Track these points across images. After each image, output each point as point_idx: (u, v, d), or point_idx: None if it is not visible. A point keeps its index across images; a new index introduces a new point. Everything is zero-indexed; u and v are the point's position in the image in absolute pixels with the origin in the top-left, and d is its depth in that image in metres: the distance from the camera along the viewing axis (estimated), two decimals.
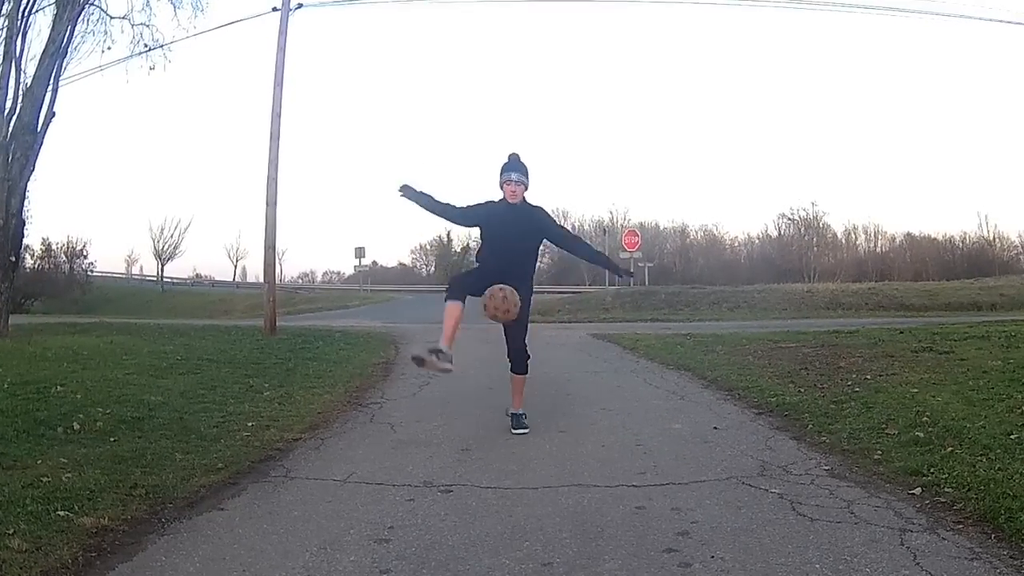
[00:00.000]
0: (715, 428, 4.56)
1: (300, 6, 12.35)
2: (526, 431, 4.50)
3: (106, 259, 60.91)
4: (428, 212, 4.71)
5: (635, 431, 4.53)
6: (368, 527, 2.86)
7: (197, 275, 52.28)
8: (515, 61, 76.61)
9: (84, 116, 65.55)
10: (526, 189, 4.63)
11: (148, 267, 50.06)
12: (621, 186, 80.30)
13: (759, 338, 9.71)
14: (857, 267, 43.14)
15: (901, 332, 9.69)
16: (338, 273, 59.11)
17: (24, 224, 10.30)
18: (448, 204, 4.72)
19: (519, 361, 4.65)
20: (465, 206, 4.71)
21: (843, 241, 48.25)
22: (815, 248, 46.82)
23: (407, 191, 4.64)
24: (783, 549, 2.55)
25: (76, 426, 4.20)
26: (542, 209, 4.73)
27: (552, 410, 5.23)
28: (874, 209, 74.50)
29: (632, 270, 4.79)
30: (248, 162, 68.16)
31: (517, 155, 4.69)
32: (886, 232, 47.82)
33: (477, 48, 76.82)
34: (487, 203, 4.69)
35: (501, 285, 4.32)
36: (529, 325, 4.70)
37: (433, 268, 51.12)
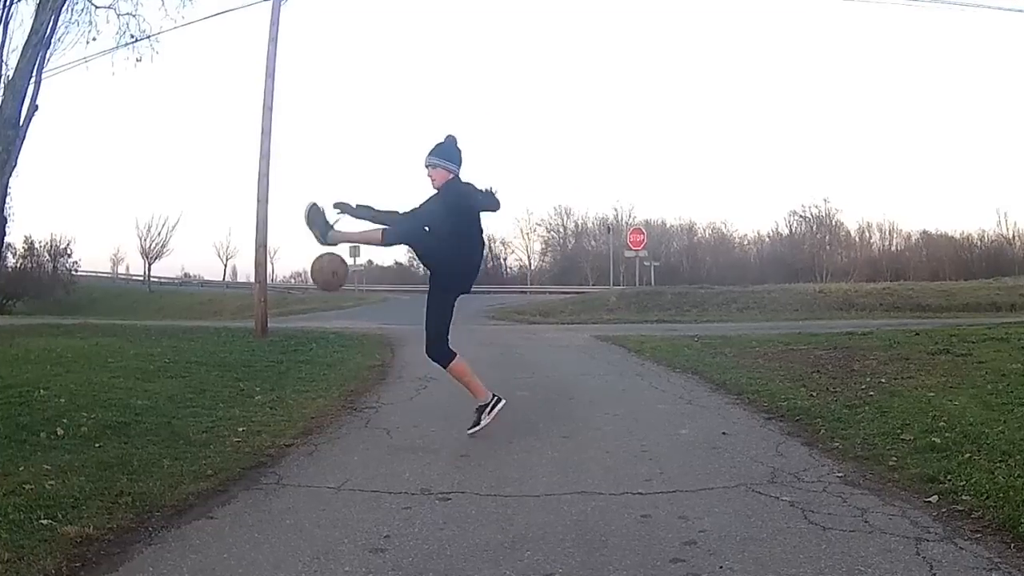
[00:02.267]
0: (724, 433, 4.47)
1: None
2: (476, 427, 4.37)
3: (91, 258, 60.53)
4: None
5: (641, 437, 4.44)
6: (363, 536, 2.79)
7: (185, 275, 51.52)
8: (518, 55, 75.80)
9: (68, 110, 64.24)
10: (448, 172, 4.35)
11: (135, 266, 49.35)
12: (626, 182, 79.96)
13: (769, 340, 9.62)
14: (871, 266, 42.71)
15: (917, 334, 9.59)
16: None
17: (6, 222, 10.18)
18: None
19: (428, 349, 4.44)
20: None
21: (856, 239, 47.80)
22: (827, 247, 46.49)
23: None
24: (794, 559, 2.48)
25: (60, 431, 4.11)
26: (468, 186, 4.37)
27: (554, 415, 5.14)
28: (889, 206, 74.73)
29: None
30: (239, 157, 67.03)
31: (453, 137, 4.45)
32: (901, 230, 47.39)
33: (479, 41, 75.70)
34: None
35: (320, 254, 4.51)
36: (438, 312, 4.44)
37: None
